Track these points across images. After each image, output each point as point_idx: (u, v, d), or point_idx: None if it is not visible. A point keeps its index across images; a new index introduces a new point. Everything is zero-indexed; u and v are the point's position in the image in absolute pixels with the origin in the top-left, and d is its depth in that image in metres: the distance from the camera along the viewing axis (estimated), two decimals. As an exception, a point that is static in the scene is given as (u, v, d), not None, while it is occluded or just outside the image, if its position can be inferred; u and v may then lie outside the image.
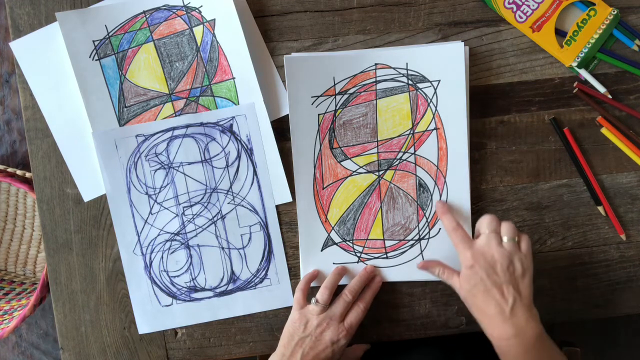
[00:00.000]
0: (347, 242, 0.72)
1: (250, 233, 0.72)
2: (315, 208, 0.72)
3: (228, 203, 0.72)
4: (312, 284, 0.71)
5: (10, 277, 1.26)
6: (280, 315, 0.73)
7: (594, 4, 0.70)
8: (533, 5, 0.70)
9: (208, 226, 0.72)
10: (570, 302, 0.73)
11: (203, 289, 0.73)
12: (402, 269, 0.72)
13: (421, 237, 0.72)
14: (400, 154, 0.71)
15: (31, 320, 1.35)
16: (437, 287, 0.73)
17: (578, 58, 0.71)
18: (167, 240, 0.72)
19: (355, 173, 0.72)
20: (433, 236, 0.72)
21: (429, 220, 0.72)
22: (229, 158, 0.72)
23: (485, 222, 0.64)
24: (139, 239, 0.72)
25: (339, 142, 0.71)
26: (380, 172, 0.72)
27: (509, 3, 0.71)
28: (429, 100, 0.71)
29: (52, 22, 0.70)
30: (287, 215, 0.72)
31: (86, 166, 0.72)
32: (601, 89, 0.71)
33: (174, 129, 0.71)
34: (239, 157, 0.72)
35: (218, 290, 0.73)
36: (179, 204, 0.72)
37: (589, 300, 0.73)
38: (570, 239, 0.73)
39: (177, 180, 0.72)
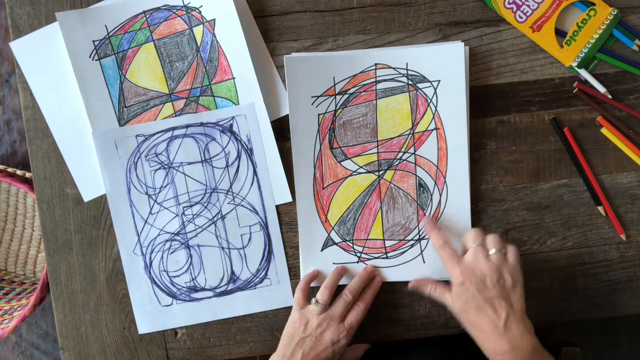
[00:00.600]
0: (347, 242, 0.72)
1: (250, 233, 0.72)
2: (315, 208, 0.72)
3: (228, 203, 0.72)
4: (312, 284, 0.71)
5: (10, 277, 1.26)
6: (280, 315, 0.73)
7: (594, 4, 0.70)
8: (533, 5, 0.70)
9: (208, 226, 0.72)
10: (570, 302, 0.73)
11: (203, 289, 0.73)
12: (402, 269, 0.72)
13: (421, 237, 0.72)
14: (400, 154, 0.71)
15: (31, 320, 1.35)
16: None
17: (578, 58, 0.71)
18: (167, 240, 0.72)
19: (355, 173, 0.72)
20: (433, 236, 0.72)
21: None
22: (229, 158, 0.72)
23: (470, 237, 0.64)
24: (139, 239, 0.72)
25: (339, 142, 0.71)
26: (380, 172, 0.72)
27: (509, 3, 0.71)
28: (429, 100, 0.71)
29: (52, 22, 0.70)
30: (287, 215, 0.72)
31: (86, 166, 0.72)
32: (601, 89, 0.71)
33: (174, 129, 0.71)
34: (239, 157, 0.72)
35: (218, 290, 0.73)
36: (179, 204, 0.72)
37: (589, 300, 0.73)
38: (570, 239, 0.73)
39: (177, 180, 0.72)
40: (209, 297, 0.72)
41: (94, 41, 0.71)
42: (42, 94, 0.71)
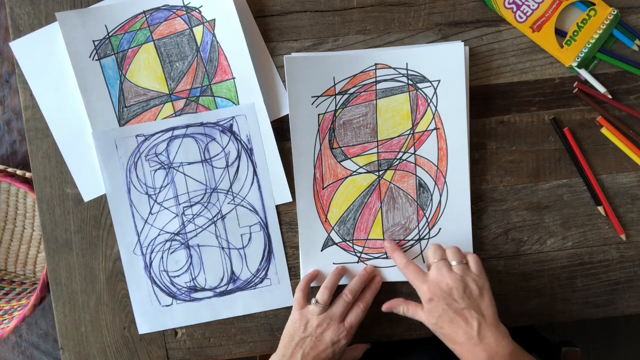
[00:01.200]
0: (347, 242, 0.72)
1: (250, 233, 0.72)
2: (315, 208, 0.72)
3: (228, 203, 0.72)
4: (312, 284, 0.71)
5: (10, 277, 1.26)
6: (280, 315, 0.73)
7: (594, 4, 0.70)
8: (533, 5, 0.70)
9: (208, 226, 0.72)
10: (570, 302, 0.73)
11: (203, 289, 0.73)
12: (402, 269, 0.72)
13: (421, 237, 0.72)
14: (400, 154, 0.71)
15: (31, 320, 1.35)
16: (437, 287, 0.73)
17: (578, 58, 0.71)
18: (167, 240, 0.72)
19: (355, 173, 0.72)
20: (433, 236, 0.72)
21: (429, 220, 0.72)
22: (229, 158, 0.72)
23: (431, 253, 0.65)
24: (139, 239, 0.72)
25: (339, 142, 0.71)
26: (380, 172, 0.72)
27: (509, 3, 0.71)
28: (429, 100, 0.71)
29: (52, 22, 0.70)
30: (287, 215, 0.72)
31: (86, 166, 0.72)
32: (601, 89, 0.71)
33: (174, 129, 0.71)
34: (239, 157, 0.72)
35: (218, 290, 0.73)
36: (179, 204, 0.72)
37: (589, 300, 0.73)
38: (570, 239, 0.73)
39: (177, 180, 0.72)
40: (209, 297, 0.72)
41: (94, 41, 0.71)
42: (42, 94, 0.71)
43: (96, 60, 0.71)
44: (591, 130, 0.73)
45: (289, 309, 0.70)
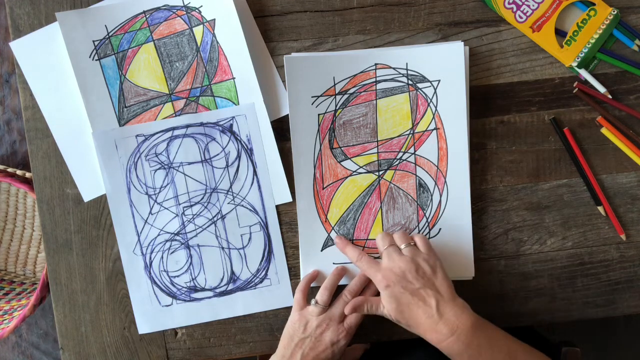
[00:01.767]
0: (347, 242, 0.72)
1: (250, 233, 0.72)
2: (315, 208, 0.72)
3: (228, 203, 0.72)
4: (312, 285, 0.71)
5: (10, 277, 1.26)
6: (280, 315, 0.73)
7: (594, 4, 0.70)
8: (533, 5, 0.70)
9: (208, 226, 0.72)
10: (570, 302, 0.73)
11: (203, 289, 0.73)
12: (402, 269, 0.72)
13: (421, 237, 0.72)
14: (400, 154, 0.71)
15: (31, 320, 1.35)
16: (437, 287, 0.73)
17: (578, 58, 0.71)
18: (167, 240, 0.72)
19: (355, 173, 0.72)
20: (433, 236, 0.72)
21: (429, 220, 0.72)
22: (229, 158, 0.72)
23: (379, 241, 0.66)
24: (139, 239, 0.72)
25: (339, 142, 0.71)
26: (380, 172, 0.72)
27: (509, 3, 0.71)
28: (429, 100, 0.71)
29: (52, 22, 0.70)
30: (287, 215, 0.72)
31: (86, 166, 0.72)
32: (601, 89, 0.71)
33: (174, 129, 0.71)
34: (239, 157, 0.72)
35: (218, 290, 0.73)
36: (179, 204, 0.72)
37: (589, 300, 0.73)
38: (570, 239, 0.73)
39: (177, 180, 0.72)
40: (209, 297, 0.72)
41: (94, 41, 0.71)
42: (42, 94, 0.71)
43: (96, 60, 0.71)
44: (591, 130, 0.73)
45: (289, 309, 0.70)
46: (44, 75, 0.71)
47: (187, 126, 0.71)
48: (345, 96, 0.71)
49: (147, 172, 0.72)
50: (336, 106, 0.71)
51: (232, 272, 0.73)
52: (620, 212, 0.73)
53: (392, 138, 0.71)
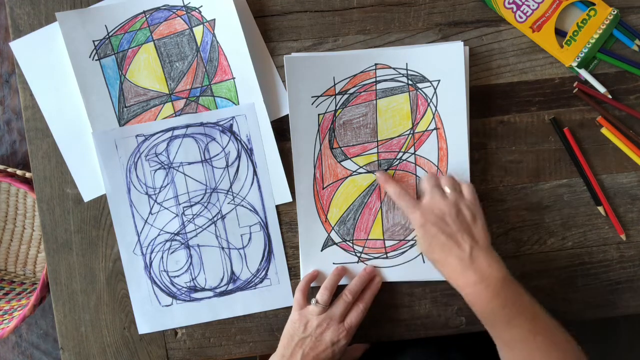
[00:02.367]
0: (347, 242, 0.72)
1: (250, 233, 0.72)
2: (315, 208, 0.72)
3: (228, 203, 0.72)
4: (312, 285, 0.71)
5: (10, 277, 1.26)
6: (280, 315, 0.73)
7: (594, 4, 0.70)
8: (533, 5, 0.70)
9: (208, 226, 0.72)
10: (570, 302, 0.73)
11: (203, 289, 0.73)
12: (402, 269, 0.72)
13: (421, 237, 0.72)
14: (400, 154, 0.71)
15: (31, 320, 1.35)
16: (437, 287, 0.73)
17: (578, 58, 0.71)
18: (167, 240, 0.72)
19: (355, 173, 0.72)
20: (433, 236, 0.72)
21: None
22: (229, 158, 0.72)
23: (425, 181, 0.66)
24: (139, 239, 0.72)
25: (339, 142, 0.71)
26: (380, 172, 0.72)
27: (509, 3, 0.71)
28: (429, 100, 0.71)
29: (52, 22, 0.70)
30: (287, 215, 0.72)
31: (86, 166, 0.72)
32: (601, 89, 0.71)
33: (174, 129, 0.71)
34: (239, 157, 0.72)
35: (218, 290, 0.73)
36: (179, 204, 0.72)
37: (589, 300, 0.73)
38: (570, 239, 0.73)
39: (177, 180, 0.72)
40: (209, 297, 0.72)
41: (94, 41, 0.71)
42: (42, 94, 0.71)
43: (96, 60, 0.71)
44: (591, 130, 0.73)
45: (289, 309, 0.70)
46: (44, 75, 0.71)
47: (187, 126, 0.71)
48: (345, 96, 0.71)
49: (147, 172, 0.72)
50: (336, 106, 0.71)
51: (232, 272, 0.73)
52: (620, 212, 0.73)
53: (392, 138, 0.71)
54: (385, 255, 0.72)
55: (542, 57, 0.72)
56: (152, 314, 0.72)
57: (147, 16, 0.71)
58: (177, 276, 0.72)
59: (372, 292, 0.70)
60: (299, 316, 0.67)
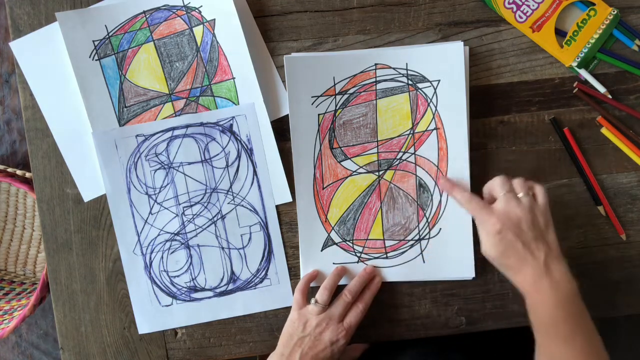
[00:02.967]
0: (347, 242, 0.72)
1: (250, 233, 0.72)
2: (315, 208, 0.72)
3: (228, 203, 0.72)
4: (312, 284, 0.71)
5: (10, 277, 1.26)
6: (280, 315, 0.73)
7: (594, 4, 0.70)
8: (533, 5, 0.70)
9: (208, 226, 0.72)
10: (570, 302, 0.73)
11: (203, 289, 0.73)
12: (402, 269, 0.72)
13: (421, 237, 0.72)
14: (400, 154, 0.71)
15: (31, 320, 1.35)
16: (437, 287, 0.73)
17: (578, 58, 0.71)
18: (167, 240, 0.72)
19: (355, 173, 0.72)
20: (433, 236, 0.72)
21: (429, 220, 0.72)
22: (229, 158, 0.72)
23: (497, 184, 0.64)
24: (139, 239, 0.72)
25: (339, 142, 0.71)
26: (380, 172, 0.72)
27: (509, 3, 0.71)
28: (428, 100, 0.71)
29: (52, 22, 0.70)
30: (287, 215, 0.72)
31: (86, 166, 0.72)
32: (601, 89, 0.71)
33: (174, 129, 0.71)
34: (239, 157, 0.72)
35: (218, 290, 0.73)
36: (179, 204, 0.72)
37: (589, 300, 0.73)
38: (570, 239, 0.73)
39: (177, 180, 0.72)
40: (209, 297, 0.72)
41: (94, 41, 0.71)
42: (42, 94, 0.71)
43: (96, 60, 0.71)
44: (591, 130, 0.73)
45: (288, 309, 0.70)
46: (44, 75, 0.71)
47: (187, 126, 0.71)
48: (345, 96, 0.71)
49: (147, 172, 0.72)
50: (336, 106, 0.71)
51: (232, 272, 0.73)
52: (620, 212, 0.73)
53: (392, 138, 0.71)
54: (385, 255, 0.72)
55: (542, 57, 0.72)
56: (152, 314, 0.72)
57: (147, 16, 0.71)
58: (177, 276, 0.72)
59: (372, 292, 0.70)
60: (299, 316, 0.67)
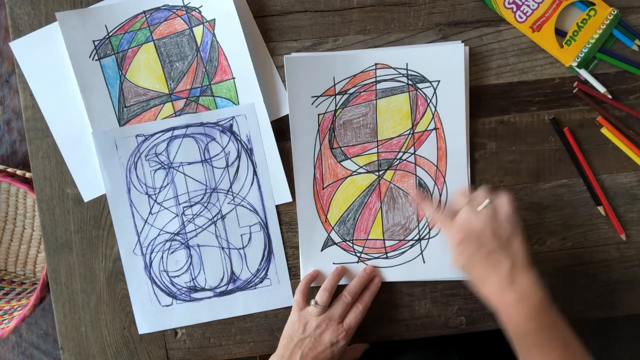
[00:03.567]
0: (347, 242, 0.72)
1: (250, 233, 0.72)
2: (315, 208, 0.72)
3: (228, 203, 0.72)
4: (312, 285, 0.71)
5: (10, 277, 1.26)
6: (280, 315, 0.73)
7: (594, 4, 0.70)
8: (533, 5, 0.70)
9: (208, 226, 0.72)
10: (570, 302, 0.73)
11: (203, 289, 0.73)
12: (402, 269, 0.72)
13: (421, 237, 0.72)
14: (400, 154, 0.71)
15: (31, 320, 1.35)
16: (437, 287, 0.73)
17: (578, 58, 0.71)
18: (167, 240, 0.72)
19: (355, 173, 0.72)
20: (433, 236, 0.72)
21: (429, 220, 0.72)
22: (229, 158, 0.72)
23: (459, 196, 0.63)
24: (139, 239, 0.72)
25: (339, 142, 0.71)
26: (380, 172, 0.72)
27: (509, 3, 0.71)
28: (428, 101, 0.71)
29: (52, 22, 0.70)
30: (287, 215, 0.72)
31: (86, 166, 0.72)
32: (601, 89, 0.71)
33: (174, 129, 0.71)
34: (239, 157, 0.72)
35: (218, 290, 0.73)
36: (179, 204, 0.72)
37: (589, 300, 0.73)
38: (570, 239, 0.73)
39: (177, 180, 0.72)
40: (209, 297, 0.72)
41: (94, 41, 0.71)
42: (42, 94, 0.71)
43: (96, 60, 0.71)
44: (591, 130, 0.73)
45: (289, 309, 0.70)
46: (44, 75, 0.71)
47: (187, 126, 0.71)
48: (345, 96, 0.71)
49: (147, 172, 0.72)
50: (336, 106, 0.71)
51: (232, 272, 0.73)
52: (620, 212, 0.73)
53: (392, 138, 0.71)
54: (385, 255, 0.72)
55: (542, 57, 0.72)
56: (152, 314, 0.72)
57: (147, 16, 0.71)
58: (177, 276, 0.72)
59: (371, 293, 0.70)
60: (299, 317, 0.67)
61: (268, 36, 0.72)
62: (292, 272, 0.73)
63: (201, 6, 0.71)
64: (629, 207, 0.73)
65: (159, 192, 0.72)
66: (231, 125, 0.71)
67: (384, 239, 0.72)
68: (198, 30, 0.71)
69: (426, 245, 0.72)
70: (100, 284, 0.72)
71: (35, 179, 0.72)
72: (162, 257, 0.72)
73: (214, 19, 0.71)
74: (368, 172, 0.72)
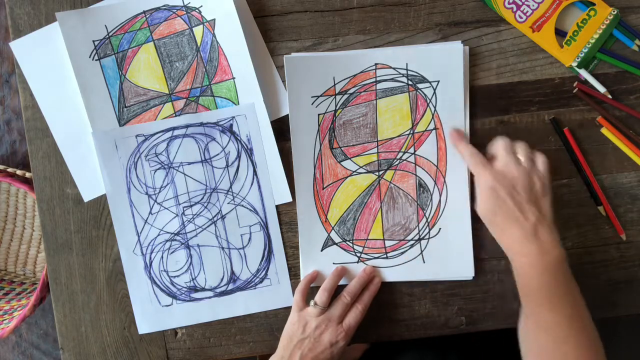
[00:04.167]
0: (347, 242, 0.72)
1: (250, 233, 0.72)
2: (315, 208, 0.72)
3: (228, 203, 0.72)
4: (312, 285, 0.71)
5: (10, 277, 1.26)
6: (280, 315, 0.73)
7: (594, 4, 0.70)
8: (533, 5, 0.70)
9: (208, 226, 0.72)
10: (570, 302, 0.73)
11: (203, 289, 0.73)
12: (402, 269, 0.72)
13: (421, 237, 0.72)
14: (400, 154, 0.71)
15: (31, 320, 1.35)
16: (437, 287, 0.73)
17: (578, 58, 0.71)
18: (167, 240, 0.72)
19: (355, 173, 0.72)
20: (433, 236, 0.72)
21: (429, 220, 0.72)
22: (229, 158, 0.72)
23: (500, 145, 0.64)
24: (139, 239, 0.72)
25: (339, 142, 0.71)
26: (380, 172, 0.72)
27: (509, 3, 0.71)
28: (428, 101, 0.71)
29: (52, 22, 0.70)
30: (287, 215, 0.72)
31: (86, 166, 0.72)
32: (601, 89, 0.71)
33: (174, 129, 0.71)
34: (239, 157, 0.72)
35: (218, 290, 0.73)
36: (179, 204, 0.72)
37: (589, 300, 0.73)
38: (570, 239, 0.73)
39: (177, 180, 0.72)
40: (209, 297, 0.72)
41: (94, 41, 0.71)
42: (42, 94, 0.71)
43: (96, 60, 0.71)
44: (591, 130, 0.73)
45: (288, 309, 0.70)
46: (44, 75, 0.71)
47: (187, 126, 0.71)
48: (345, 96, 0.71)
49: (147, 172, 0.72)
50: (336, 106, 0.71)
51: (232, 272, 0.73)
52: (620, 212, 0.73)
53: (392, 138, 0.71)
54: (385, 255, 0.72)
55: (542, 57, 0.72)
56: (152, 314, 0.72)
57: (147, 16, 0.71)
58: (177, 276, 0.72)
59: (371, 293, 0.70)
60: (298, 317, 0.67)
61: (268, 36, 0.72)
62: (292, 272, 0.73)
63: (201, 6, 0.71)
64: (629, 207, 0.73)
65: (159, 192, 0.72)
66: (231, 125, 0.71)
67: (384, 239, 0.72)
68: (198, 30, 0.71)
69: (426, 245, 0.72)
70: (100, 284, 0.72)
71: (35, 179, 0.72)
72: (162, 257, 0.72)
73: (214, 19, 0.71)
74: (368, 172, 0.72)
